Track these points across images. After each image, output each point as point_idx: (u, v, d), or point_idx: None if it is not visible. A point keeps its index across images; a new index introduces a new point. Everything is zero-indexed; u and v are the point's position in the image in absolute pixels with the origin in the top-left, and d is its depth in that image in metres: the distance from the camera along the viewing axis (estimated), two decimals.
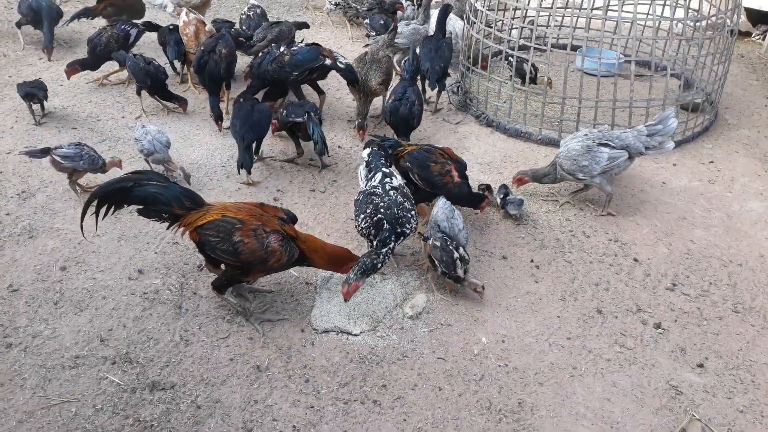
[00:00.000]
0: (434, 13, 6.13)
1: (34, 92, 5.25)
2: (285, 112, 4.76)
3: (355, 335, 3.44)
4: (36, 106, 5.32)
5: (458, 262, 3.58)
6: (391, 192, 3.68)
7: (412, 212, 3.65)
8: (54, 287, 3.69)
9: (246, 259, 3.28)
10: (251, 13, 6.63)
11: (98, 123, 5.38)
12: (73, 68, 5.70)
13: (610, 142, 4.28)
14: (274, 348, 3.37)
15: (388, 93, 5.15)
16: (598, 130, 4.41)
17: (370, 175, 3.84)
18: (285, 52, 5.15)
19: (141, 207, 3.38)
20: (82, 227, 3.40)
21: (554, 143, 5.26)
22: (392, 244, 3.51)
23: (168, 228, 3.44)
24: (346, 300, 3.39)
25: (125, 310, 3.56)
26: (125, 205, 3.39)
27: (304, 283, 3.80)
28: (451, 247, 3.61)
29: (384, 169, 3.84)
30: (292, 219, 3.56)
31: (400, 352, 3.37)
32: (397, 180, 3.81)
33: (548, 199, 4.61)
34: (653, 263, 4.10)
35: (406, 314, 3.57)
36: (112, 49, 5.73)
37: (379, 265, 3.44)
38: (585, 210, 4.54)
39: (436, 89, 5.62)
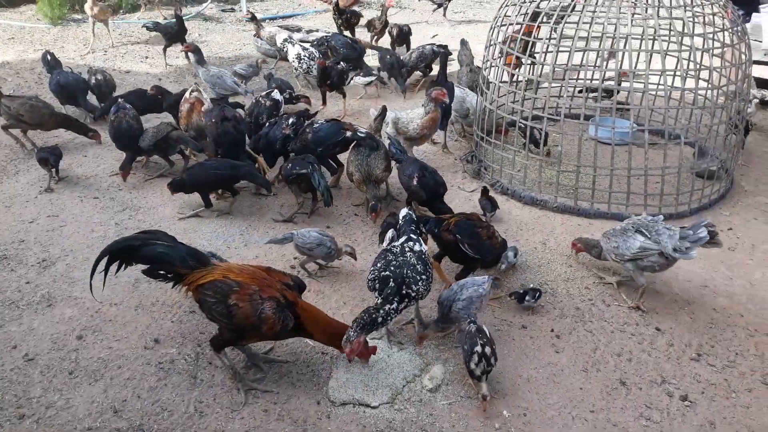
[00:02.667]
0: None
1: (46, 157, 5.45)
2: (290, 165, 4.98)
3: (374, 408, 3.36)
4: (53, 171, 5.51)
5: (475, 356, 3.35)
6: (408, 253, 3.63)
7: (423, 276, 3.54)
8: (70, 356, 3.67)
9: (239, 323, 3.24)
10: (264, 101, 6.11)
11: (119, 192, 5.48)
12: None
13: (644, 231, 4.09)
14: (290, 421, 3.29)
15: (400, 177, 5.11)
16: (649, 218, 4.20)
17: (396, 237, 3.82)
18: (308, 130, 5.30)
19: (146, 267, 3.43)
20: (91, 285, 3.43)
21: (570, 211, 5.27)
22: (395, 304, 3.41)
23: (173, 287, 3.45)
24: (350, 360, 3.34)
25: (140, 380, 3.52)
26: (133, 264, 3.43)
27: (321, 353, 3.75)
28: (477, 339, 3.39)
29: (411, 234, 3.80)
30: (300, 287, 3.50)
31: (419, 426, 3.28)
32: (420, 246, 3.74)
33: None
34: (676, 333, 4.01)
35: (425, 386, 3.49)
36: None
37: (380, 320, 3.35)
38: (604, 278, 4.49)
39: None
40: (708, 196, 5.45)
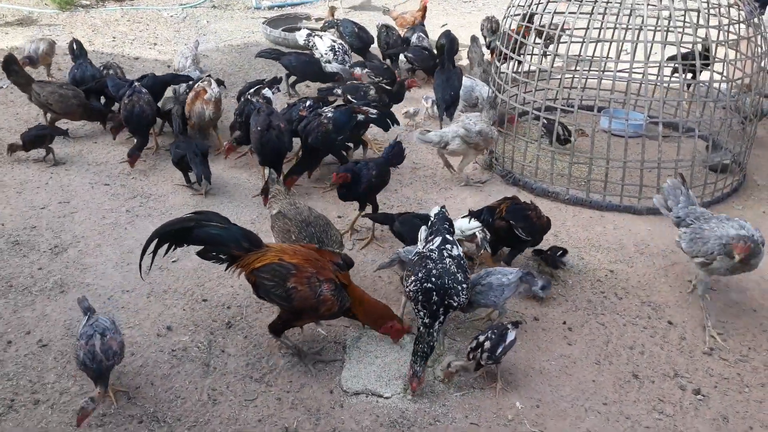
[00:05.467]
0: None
1: (44, 134, 5.55)
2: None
3: (387, 398, 3.37)
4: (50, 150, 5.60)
5: (474, 342, 3.41)
6: (447, 260, 3.50)
7: (464, 285, 3.46)
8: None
9: (298, 305, 3.32)
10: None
11: (130, 179, 5.47)
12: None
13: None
14: (303, 409, 3.30)
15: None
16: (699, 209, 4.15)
17: (430, 238, 3.70)
18: (324, 120, 5.13)
19: (200, 249, 3.44)
20: (140, 265, 3.38)
21: (582, 203, 5.25)
22: (442, 317, 3.37)
23: (226, 269, 3.46)
24: (414, 393, 3.35)
25: (153, 368, 3.53)
26: (185, 245, 3.44)
27: (333, 342, 3.75)
28: (490, 333, 3.40)
29: (447, 235, 3.67)
30: (348, 264, 3.56)
31: (432, 416, 3.28)
32: (458, 249, 3.63)
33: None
34: (688, 326, 4.00)
35: (438, 377, 3.49)
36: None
37: (435, 344, 3.38)
38: (615, 271, 4.48)
39: (445, 117, 5.97)
40: (721, 189, 5.43)
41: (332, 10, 8.91)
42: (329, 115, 5.20)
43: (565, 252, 4.39)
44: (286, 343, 3.58)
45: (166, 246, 3.41)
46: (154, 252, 3.38)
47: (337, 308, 3.32)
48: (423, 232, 3.85)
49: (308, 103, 5.43)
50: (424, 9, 8.57)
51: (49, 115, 6.06)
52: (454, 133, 5.25)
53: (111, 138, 6.03)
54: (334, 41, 7.23)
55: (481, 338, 3.40)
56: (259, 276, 3.36)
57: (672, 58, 5.89)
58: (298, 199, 4.45)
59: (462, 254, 3.65)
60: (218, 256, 3.43)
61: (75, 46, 6.80)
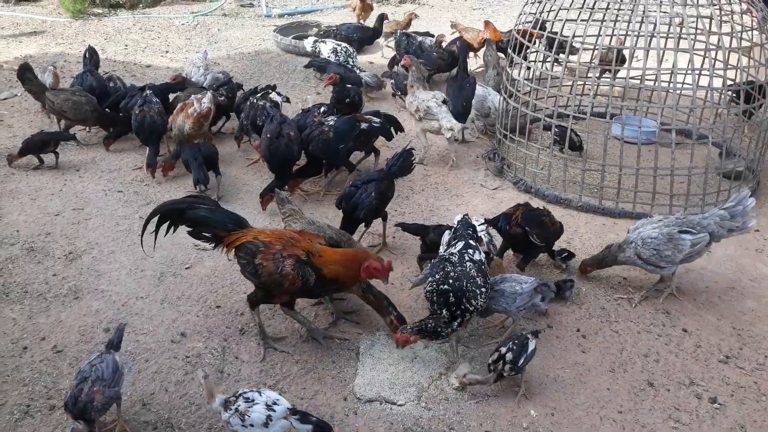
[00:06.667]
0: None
1: (48, 139, 5.65)
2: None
3: (400, 405, 3.36)
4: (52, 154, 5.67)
5: (496, 354, 3.39)
6: (468, 264, 3.54)
7: (482, 289, 3.48)
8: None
9: (265, 281, 3.46)
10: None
11: (143, 186, 5.50)
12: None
13: (691, 229, 4.05)
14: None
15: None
16: (675, 216, 4.23)
17: (453, 242, 3.73)
18: (325, 128, 5.11)
19: (191, 229, 3.68)
20: (141, 241, 3.67)
21: (595, 210, 5.24)
22: (460, 319, 3.40)
23: (214, 248, 3.68)
24: (398, 346, 3.46)
25: (167, 374, 3.54)
26: (179, 225, 3.69)
27: (346, 349, 3.75)
28: (511, 344, 3.37)
29: (470, 240, 3.70)
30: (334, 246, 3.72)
31: (446, 424, 3.27)
32: (480, 255, 3.66)
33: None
34: (703, 334, 3.97)
35: (452, 384, 3.48)
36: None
37: (443, 333, 3.39)
38: (629, 278, 4.45)
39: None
40: None
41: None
42: (331, 123, 5.18)
43: (570, 255, 4.39)
44: (255, 318, 3.69)
45: (165, 226, 3.68)
46: (156, 229, 3.66)
47: (301, 283, 3.40)
48: (446, 236, 3.88)
49: (323, 109, 5.43)
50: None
51: (63, 122, 6.11)
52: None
53: (124, 145, 6.08)
54: (337, 45, 7.45)
55: (503, 350, 3.36)
56: (238, 255, 3.57)
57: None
58: (315, 215, 4.52)
59: (484, 260, 3.66)
60: (207, 235, 3.65)
61: (87, 54, 6.84)
